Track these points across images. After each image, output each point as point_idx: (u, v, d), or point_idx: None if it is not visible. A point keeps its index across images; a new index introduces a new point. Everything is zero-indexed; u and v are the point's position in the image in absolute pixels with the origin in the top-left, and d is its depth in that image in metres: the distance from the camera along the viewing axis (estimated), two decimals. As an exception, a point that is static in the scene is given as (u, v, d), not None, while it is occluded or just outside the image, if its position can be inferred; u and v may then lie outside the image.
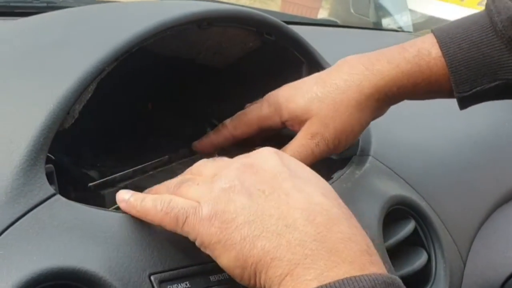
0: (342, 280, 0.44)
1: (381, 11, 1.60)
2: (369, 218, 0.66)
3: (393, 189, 0.72)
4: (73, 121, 0.58)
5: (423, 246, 0.72)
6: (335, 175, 0.70)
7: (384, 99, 0.67)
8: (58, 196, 0.52)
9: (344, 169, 0.71)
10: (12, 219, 0.49)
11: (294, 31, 0.77)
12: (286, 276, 0.46)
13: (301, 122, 0.67)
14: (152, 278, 0.51)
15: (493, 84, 0.64)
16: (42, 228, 0.50)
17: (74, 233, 0.51)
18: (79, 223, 0.51)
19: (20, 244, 0.48)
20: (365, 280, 0.44)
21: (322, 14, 3.50)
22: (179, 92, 0.87)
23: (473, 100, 0.66)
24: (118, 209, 0.60)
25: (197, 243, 0.51)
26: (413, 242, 0.72)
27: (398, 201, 0.70)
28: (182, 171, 0.70)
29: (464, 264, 0.78)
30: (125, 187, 0.68)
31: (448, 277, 0.71)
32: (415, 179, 0.77)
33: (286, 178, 0.51)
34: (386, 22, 1.58)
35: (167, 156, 0.75)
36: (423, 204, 0.74)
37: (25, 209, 0.50)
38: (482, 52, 0.64)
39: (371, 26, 1.61)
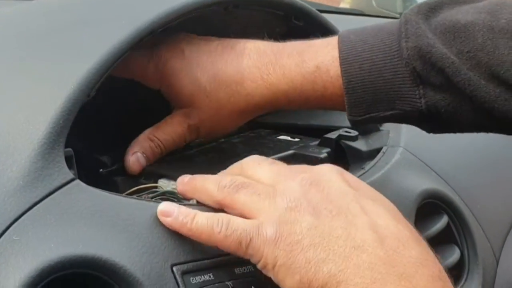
0: None
1: (409, 1, 1.57)
2: (400, 212, 0.63)
3: (425, 182, 0.69)
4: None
5: (456, 242, 0.69)
6: (366, 167, 0.67)
7: (270, 108, 0.65)
8: (78, 181, 0.51)
9: (375, 160, 0.69)
10: (29, 204, 0.47)
11: (324, 17, 0.75)
12: None
13: (179, 103, 0.65)
14: (174, 269, 0.49)
15: (388, 113, 0.59)
16: (60, 214, 0.48)
17: (94, 220, 0.49)
18: (99, 210, 0.49)
19: (37, 230, 0.46)
20: None
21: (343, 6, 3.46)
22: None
23: (366, 123, 0.63)
24: (130, 195, 0.59)
25: (259, 265, 0.49)
26: (445, 238, 0.69)
27: (430, 195, 0.68)
28: (200, 159, 0.68)
29: (497, 262, 0.75)
30: (139, 174, 0.65)
31: (481, 275, 0.68)
32: (447, 172, 0.74)
33: (353, 199, 0.49)
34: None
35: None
36: (456, 198, 0.71)
37: (43, 194, 0.48)
38: (384, 77, 0.58)
39: (396, 17, 1.58)
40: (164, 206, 0.51)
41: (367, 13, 1.51)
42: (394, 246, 0.46)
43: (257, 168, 0.54)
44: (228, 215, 0.50)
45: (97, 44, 0.57)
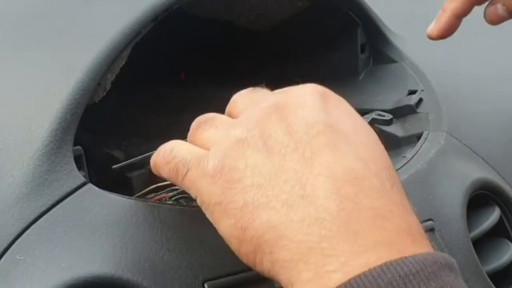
0: (375, 268, 0.34)
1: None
2: (451, 205, 0.57)
3: (475, 171, 0.63)
4: (104, 94, 0.52)
5: (509, 237, 0.63)
6: (408, 154, 0.61)
7: None
8: (90, 185, 0.46)
9: (417, 147, 0.62)
10: (35, 215, 0.43)
11: (350, -13, 0.71)
12: (298, 262, 0.36)
13: None
14: (206, 285, 0.44)
15: None
16: (71, 226, 0.43)
17: (111, 232, 0.44)
18: (116, 219, 0.45)
19: (44, 247, 0.42)
20: (410, 263, 0.34)
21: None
22: (216, 60, 0.81)
23: None
24: (146, 194, 0.55)
25: (198, 202, 0.42)
26: (496, 233, 0.62)
27: (481, 185, 0.61)
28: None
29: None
30: None
31: (536, 273, 0.62)
32: (496, 159, 0.67)
33: (320, 131, 0.40)
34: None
35: None
36: (506, 188, 0.64)
37: (50, 202, 0.44)
38: None
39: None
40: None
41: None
42: (351, 196, 0.37)
43: (238, 100, 0.47)
44: (179, 141, 0.45)
45: (108, 23, 0.53)
